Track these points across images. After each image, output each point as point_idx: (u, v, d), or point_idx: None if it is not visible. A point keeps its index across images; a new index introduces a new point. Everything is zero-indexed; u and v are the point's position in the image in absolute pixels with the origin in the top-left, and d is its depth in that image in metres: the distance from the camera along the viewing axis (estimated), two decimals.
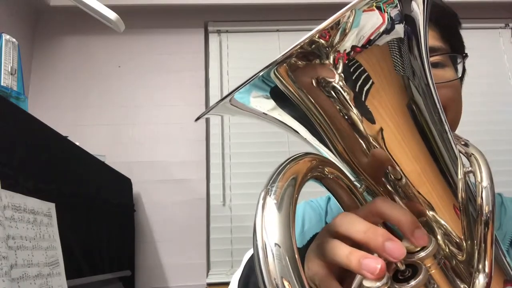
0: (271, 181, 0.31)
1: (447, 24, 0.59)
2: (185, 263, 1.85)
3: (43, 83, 2.02)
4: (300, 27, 2.10)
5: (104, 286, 1.28)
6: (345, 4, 0.28)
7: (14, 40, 1.10)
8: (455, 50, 0.59)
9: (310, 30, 0.28)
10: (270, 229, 0.28)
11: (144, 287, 1.80)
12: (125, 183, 1.77)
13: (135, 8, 2.07)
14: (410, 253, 0.32)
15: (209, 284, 1.82)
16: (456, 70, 0.60)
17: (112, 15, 0.95)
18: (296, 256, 0.28)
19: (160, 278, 1.83)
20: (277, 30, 2.16)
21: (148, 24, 2.13)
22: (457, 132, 0.57)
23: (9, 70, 1.05)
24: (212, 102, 2.08)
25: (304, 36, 0.29)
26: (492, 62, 2.19)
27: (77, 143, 1.23)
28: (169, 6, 2.12)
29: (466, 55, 0.60)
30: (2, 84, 1.02)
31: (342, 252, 0.31)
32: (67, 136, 1.15)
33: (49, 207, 0.82)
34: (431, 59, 0.56)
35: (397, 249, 0.30)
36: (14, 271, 0.64)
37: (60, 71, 2.05)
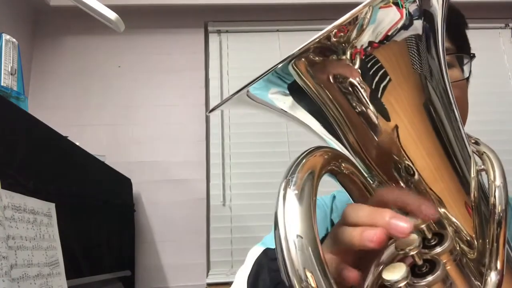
0: (290, 172, 0.31)
1: (455, 24, 0.59)
2: (185, 263, 1.85)
3: (43, 83, 2.02)
4: (300, 27, 2.09)
5: (104, 286, 1.27)
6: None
7: (14, 40, 1.10)
8: (461, 50, 0.59)
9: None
10: (292, 220, 0.28)
11: (144, 287, 1.80)
12: (125, 183, 1.77)
13: (135, 8, 2.07)
14: (426, 248, 0.32)
15: (209, 284, 1.82)
16: (462, 70, 0.60)
17: (112, 15, 0.95)
18: (319, 247, 0.28)
19: (160, 278, 1.83)
20: (277, 30, 2.16)
21: (148, 24, 2.13)
22: None
23: (9, 70, 1.05)
24: (212, 102, 2.08)
25: (321, 31, 0.28)
26: (492, 62, 2.18)
27: (77, 143, 1.23)
28: (169, 6, 2.12)
29: (474, 56, 0.60)
30: (2, 84, 1.02)
31: (347, 233, 0.32)
32: (67, 136, 1.15)
33: (49, 207, 0.82)
34: None
35: (402, 223, 0.30)
36: (14, 271, 0.64)
37: (60, 71, 2.05)
